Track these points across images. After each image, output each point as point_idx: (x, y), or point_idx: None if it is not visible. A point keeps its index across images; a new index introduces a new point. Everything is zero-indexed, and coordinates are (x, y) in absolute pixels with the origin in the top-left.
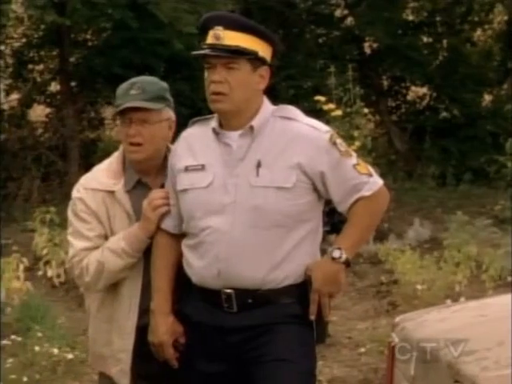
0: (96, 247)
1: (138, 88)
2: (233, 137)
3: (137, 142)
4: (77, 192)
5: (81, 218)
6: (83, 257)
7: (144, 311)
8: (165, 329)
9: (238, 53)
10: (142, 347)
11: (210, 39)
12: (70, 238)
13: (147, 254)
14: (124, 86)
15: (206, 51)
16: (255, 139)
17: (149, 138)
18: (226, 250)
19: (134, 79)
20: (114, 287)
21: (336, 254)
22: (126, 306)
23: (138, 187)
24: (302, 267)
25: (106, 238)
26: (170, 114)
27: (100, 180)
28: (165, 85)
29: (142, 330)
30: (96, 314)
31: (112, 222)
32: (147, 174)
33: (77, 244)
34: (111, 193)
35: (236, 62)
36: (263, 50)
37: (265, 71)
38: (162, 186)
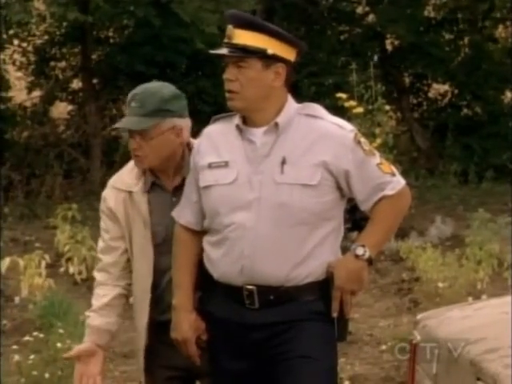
0: (110, 247)
1: (137, 101)
2: (256, 133)
3: (138, 154)
4: (105, 189)
5: (102, 217)
6: (100, 259)
7: (168, 306)
8: (188, 326)
9: (245, 51)
10: (169, 338)
11: (225, 37)
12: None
13: (157, 255)
14: (130, 94)
15: (219, 50)
16: (280, 136)
17: (149, 151)
18: (250, 247)
19: (138, 89)
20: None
21: (360, 251)
22: (138, 306)
23: (155, 189)
24: (325, 265)
25: (123, 238)
26: (173, 122)
27: (124, 180)
28: (168, 93)
29: (169, 323)
30: None
31: (132, 223)
32: (163, 176)
33: (99, 243)
34: (130, 193)
35: (245, 61)
36: (274, 47)
37: (281, 68)
38: (177, 188)
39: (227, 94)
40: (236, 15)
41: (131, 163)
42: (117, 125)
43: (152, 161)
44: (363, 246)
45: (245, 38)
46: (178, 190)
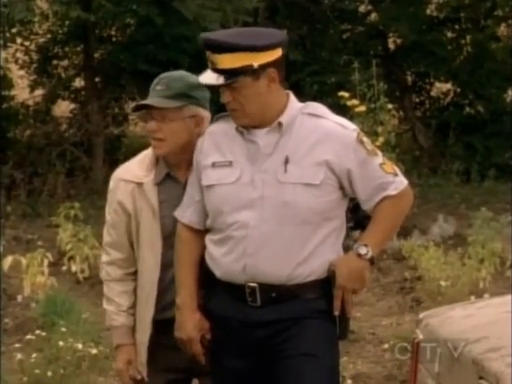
0: (119, 243)
1: (162, 84)
2: (258, 134)
3: (158, 137)
4: (111, 182)
5: (109, 211)
6: (106, 253)
7: (169, 304)
8: (192, 325)
9: (233, 73)
10: (170, 340)
11: (209, 63)
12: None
13: (165, 248)
14: (156, 78)
15: (211, 79)
16: (283, 135)
17: (169, 135)
18: (253, 245)
19: (163, 74)
20: (137, 278)
21: (362, 250)
22: (144, 298)
23: (167, 180)
24: (327, 263)
25: (129, 232)
26: (195, 110)
27: (133, 171)
28: (193, 81)
29: (169, 322)
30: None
31: (139, 215)
32: (177, 168)
33: (104, 237)
34: (140, 185)
35: (234, 82)
36: (258, 59)
37: (272, 73)
38: None
39: (231, 114)
40: (210, 42)
41: (141, 156)
42: (140, 103)
43: (170, 146)
44: (366, 245)
45: (227, 61)
46: None
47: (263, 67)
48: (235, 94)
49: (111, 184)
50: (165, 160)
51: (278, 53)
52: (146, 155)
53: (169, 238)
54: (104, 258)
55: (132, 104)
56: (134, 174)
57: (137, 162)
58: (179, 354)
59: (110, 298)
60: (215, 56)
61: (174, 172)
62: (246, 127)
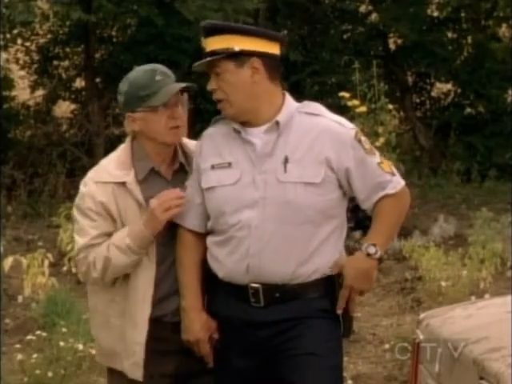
0: (98, 244)
1: (161, 73)
2: (256, 134)
3: (178, 124)
4: (84, 186)
5: (86, 214)
6: (87, 253)
7: (161, 299)
8: (200, 326)
9: (213, 55)
10: (157, 344)
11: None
12: (75, 235)
13: (160, 244)
14: (146, 75)
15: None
16: (281, 135)
17: (184, 120)
18: (256, 245)
19: (147, 66)
20: (126, 281)
21: (371, 250)
22: (139, 298)
23: (151, 176)
24: (330, 262)
25: (111, 235)
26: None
27: (110, 172)
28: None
29: (155, 324)
30: (105, 311)
31: (123, 215)
32: (162, 162)
33: (80, 241)
34: (122, 184)
35: (217, 66)
36: (241, 44)
37: (255, 62)
38: (174, 174)
39: (218, 105)
40: (205, 26)
41: (112, 156)
42: (175, 87)
43: (183, 131)
44: (374, 244)
45: (213, 43)
46: (176, 178)
47: (247, 54)
48: (220, 82)
49: (86, 188)
50: (151, 155)
51: (267, 46)
52: (119, 155)
53: (159, 235)
54: (81, 254)
55: None
56: (111, 174)
57: (112, 163)
58: (170, 359)
59: (112, 245)
60: (206, 40)
61: (159, 167)
62: (235, 120)
